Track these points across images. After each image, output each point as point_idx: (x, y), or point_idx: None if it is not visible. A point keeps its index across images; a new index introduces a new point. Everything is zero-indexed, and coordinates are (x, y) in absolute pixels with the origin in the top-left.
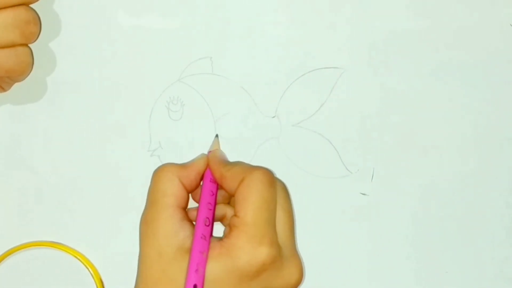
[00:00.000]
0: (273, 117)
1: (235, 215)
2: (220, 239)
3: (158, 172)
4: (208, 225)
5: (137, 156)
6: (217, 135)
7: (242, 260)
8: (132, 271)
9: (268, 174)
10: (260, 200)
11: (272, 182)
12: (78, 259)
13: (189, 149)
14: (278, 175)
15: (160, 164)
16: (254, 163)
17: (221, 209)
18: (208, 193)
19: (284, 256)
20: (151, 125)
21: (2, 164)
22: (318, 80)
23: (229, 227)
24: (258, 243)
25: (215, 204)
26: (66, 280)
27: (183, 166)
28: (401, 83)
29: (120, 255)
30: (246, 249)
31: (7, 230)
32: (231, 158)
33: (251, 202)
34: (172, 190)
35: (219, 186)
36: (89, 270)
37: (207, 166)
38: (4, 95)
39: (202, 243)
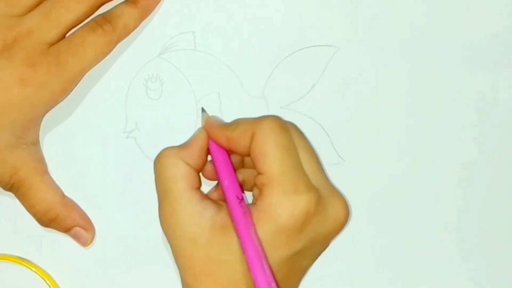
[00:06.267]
0: (260, 97)
1: (258, 173)
2: (252, 204)
3: (159, 160)
4: (242, 199)
5: (111, 138)
6: (203, 109)
7: (284, 216)
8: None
9: (277, 120)
10: (280, 149)
11: (284, 127)
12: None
13: (168, 130)
14: None
15: (136, 147)
16: None
17: (238, 176)
18: (223, 165)
19: (324, 196)
20: (127, 105)
21: None
22: (309, 58)
23: (258, 188)
24: (294, 192)
25: (235, 172)
26: None
27: (183, 146)
28: (399, 63)
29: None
30: (284, 203)
31: None
32: None
33: (271, 154)
34: (181, 173)
35: (229, 151)
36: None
37: (208, 137)
38: None
39: (246, 221)
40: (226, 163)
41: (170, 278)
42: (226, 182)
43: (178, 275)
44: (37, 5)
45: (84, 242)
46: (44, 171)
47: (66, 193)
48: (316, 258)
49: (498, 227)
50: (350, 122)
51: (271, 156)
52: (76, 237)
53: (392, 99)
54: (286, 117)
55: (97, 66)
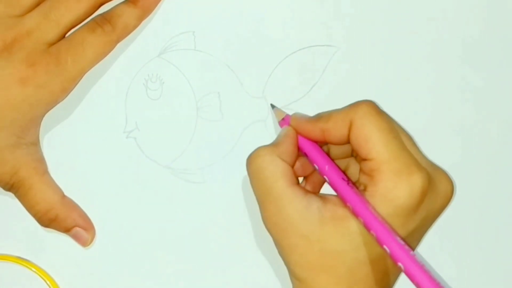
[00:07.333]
0: (260, 97)
1: (364, 159)
2: (363, 191)
3: (255, 160)
4: (348, 180)
5: (111, 138)
6: (273, 105)
7: (402, 198)
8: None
9: (373, 104)
10: (384, 132)
11: (381, 110)
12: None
13: (168, 130)
14: None
15: (136, 147)
16: (238, 147)
17: (341, 165)
18: (319, 153)
19: (431, 173)
20: (127, 105)
21: None
22: (309, 58)
23: (366, 175)
24: (408, 173)
25: (333, 160)
26: None
27: (275, 144)
28: (399, 62)
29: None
30: (401, 185)
31: None
32: (213, 142)
33: (376, 138)
34: (280, 171)
35: (324, 142)
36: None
37: (297, 133)
38: None
39: (361, 199)
40: (321, 152)
41: (169, 277)
42: (326, 167)
43: (176, 274)
44: (37, 5)
45: (84, 242)
46: (44, 171)
47: (66, 193)
48: (421, 239)
49: (498, 228)
50: None
51: (376, 141)
52: (76, 237)
53: (393, 99)
54: None
55: (97, 66)
